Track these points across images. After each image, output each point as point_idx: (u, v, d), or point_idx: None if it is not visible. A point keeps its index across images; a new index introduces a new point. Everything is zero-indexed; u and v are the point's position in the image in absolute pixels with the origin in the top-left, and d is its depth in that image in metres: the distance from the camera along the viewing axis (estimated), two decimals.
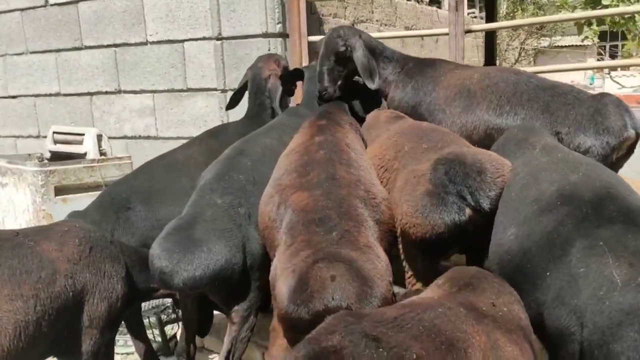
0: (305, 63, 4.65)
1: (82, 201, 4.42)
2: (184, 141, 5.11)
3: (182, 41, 5.03)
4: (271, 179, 3.05)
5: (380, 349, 1.50)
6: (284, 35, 4.62)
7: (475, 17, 13.38)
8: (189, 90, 5.10)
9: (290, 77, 4.11)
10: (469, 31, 4.25)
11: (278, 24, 4.55)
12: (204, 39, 4.91)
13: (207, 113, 5.07)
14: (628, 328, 1.68)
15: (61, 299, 2.64)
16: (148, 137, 5.42)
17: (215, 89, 4.97)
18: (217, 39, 4.79)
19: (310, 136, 3.09)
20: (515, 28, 18.28)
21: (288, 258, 2.41)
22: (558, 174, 2.30)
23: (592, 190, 2.15)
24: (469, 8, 12.92)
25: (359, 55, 3.66)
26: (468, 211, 2.49)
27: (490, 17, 9.10)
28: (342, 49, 3.73)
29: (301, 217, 2.55)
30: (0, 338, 2.42)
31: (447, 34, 4.21)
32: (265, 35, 4.59)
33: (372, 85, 3.76)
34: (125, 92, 5.45)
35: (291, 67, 4.59)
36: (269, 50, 4.59)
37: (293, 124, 3.67)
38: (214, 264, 2.72)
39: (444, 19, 8.35)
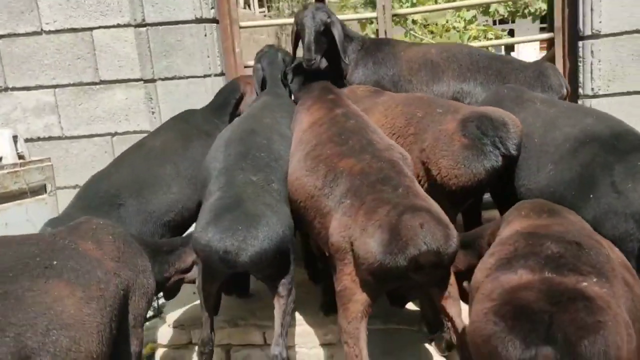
0: (238, 49, 4.67)
1: (10, 212, 3.91)
2: (99, 139, 4.78)
3: (90, 29, 4.62)
4: (298, 153, 3.16)
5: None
6: (217, 20, 4.57)
7: None
8: (102, 82, 4.71)
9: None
10: (395, 15, 4.73)
11: (212, 8, 4.48)
12: (118, 26, 4.58)
13: (128, 106, 4.74)
14: None
15: (117, 298, 2.51)
16: (50, 138, 4.86)
17: (139, 80, 4.68)
18: (140, 25, 4.52)
19: (329, 109, 3.27)
20: None
21: (365, 217, 2.60)
22: (574, 119, 2.88)
23: (609, 127, 2.76)
24: None
25: (339, 30, 3.90)
26: (501, 157, 2.95)
27: None
28: (329, 21, 3.94)
29: (363, 180, 2.75)
30: (90, 344, 2.22)
31: (375, 18, 4.65)
32: (200, 20, 4.47)
33: (346, 59, 4.05)
34: (15, 89, 4.79)
35: (224, 54, 4.59)
36: (205, 36, 4.50)
37: (280, 103, 3.80)
38: (275, 237, 2.77)
39: None
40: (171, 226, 3.48)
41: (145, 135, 4.63)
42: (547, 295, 1.58)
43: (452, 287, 2.78)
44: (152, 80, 4.59)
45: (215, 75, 4.55)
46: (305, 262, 4.17)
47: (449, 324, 2.82)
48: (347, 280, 2.73)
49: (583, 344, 1.48)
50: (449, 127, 3.06)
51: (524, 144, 2.96)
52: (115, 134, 4.80)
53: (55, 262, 2.29)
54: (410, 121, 3.29)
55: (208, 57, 4.52)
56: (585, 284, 1.65)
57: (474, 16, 13.96)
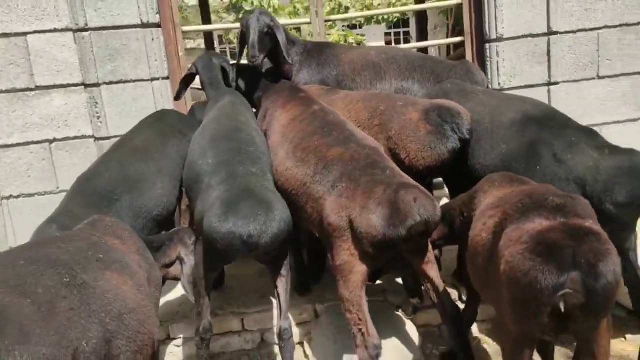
0: (182, 52, 4.79)
1: None
2: (36, 146, 4.66)
3: (25, 34, 4.47)
4: (285, 146, 3.48)
5: None
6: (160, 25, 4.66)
7: None
8: (38, 88, 4.56)
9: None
10: (328, 20, 5.15)
11: (157, 13, 4.56)
12: (55, 30, 4.48)
13: (67, 111, 4.63)
14: (621, 177, 2.97)
15: (146, 288, 2.66)
16: None
17: (79, 84, 4.61)
18: (81, 30, 4.46)
19: (306, 106, 3.61)
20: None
21: (364, 197, 3.01)
22: (515, 106, 3.51)
23: (543, 111, 3.44)
24: None
25: (282, 33, 4.23)
26: (459, 141, 3.50)
27: None
28: (272, 24, 4.24)
29: (355, 165, 3.16)
30: (150, 326, 2.43)
31: (309, 23, 5.04)
32: (145, 25, 4.52)
33: (289, 60, 4.38)
34: None
35: (168, 58, 4.71)
36: (153, 40, 4.57)
37: (243, 102, 4.05)
38: (287, 220, 3.09)
39: None
40: (158, 220, 3.62)
41: (88, 139, 4.64)
42: (568, 234, 2.10)
43: (430, 254, 3.27)
44: (96, 85, 4.56)
45: (163, 78, 4.65)
46: None
47: (429, 285, 3.31)
48: (346, 254, 3.10)
49: (600, 265, 2.01)
50: (413, 117, 3.55)
51: (475, 129, 3.54)
52: (54, 140, 4.68)
53: (101, 256, 2.42)
54: (374, 114, 3.73)
55: (156, 61, 4.60)
56: (588, 224, 2.20)
57: (334, 22, 14.91)
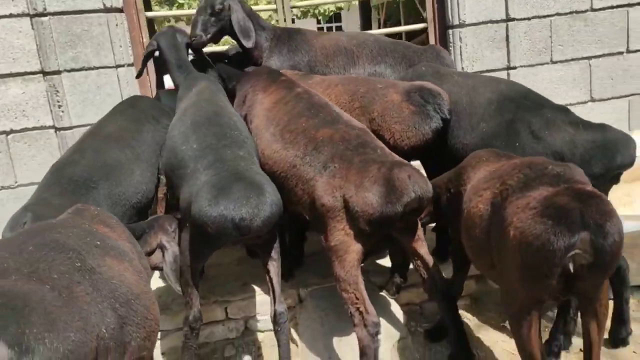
0: (146, 39, 4.63)
1: None
2: None
3: None
4: (271, 129, 3.45)
5: None
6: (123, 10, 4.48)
7: None
8: None
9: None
10: (294, 7, 5.12)
11: None
12: (11, 16, 4.22)
13: (25, 100, 4.38)
14: (596, 150, 3.13)
15: (144, 275, 2.60)
16: None
17: (37, 72, 4.37)
18: (39, 15, 4.23)
19: (289, 89, 3.58)
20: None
21: (358, 176, 3.03)
22: (490, 87, 3.63)
23: (518, 91, 3.58)
24: None
25: (238, 17, 4.20)
26: (441, 120, 3.59)
27: None
28: (219, 7, 4.18)
29: (346, 145, 3.17)
30: (156, 312, 2.38)
31: (275, 10, 4.99)
32: (107, 10, 4.34)
33: (248, 44, 4.32)
34: None
35: (131, 44, 4.56)
36: (117, 25, 4.39)
37: (219, 88, 3.97)
38: (278, 202, 3.07)
39: None
40: (137, 208, 3.52)
41: (48, 130, 4.42)
42: (574, 197, 2.20)
43: (420, 231, 3.34)
44: (57, 72, 4.34)
45: (128, 65, 4.48)
46: None
47: (419, 262, 3.38)
48: (340, 234, 3.11)
49: (607, 225, 2.12)
50: (395, 98, 3.60)
51: (454, 109, 3.64)
52: (11, 131, 4.43)
53: (99, 242, 2.34)
54: (354, 97, 3.76)
55: (120, 47, 4.43)
56: (589, 188, 2.32)
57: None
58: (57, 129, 4.48)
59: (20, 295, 1.73)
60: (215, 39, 4.34)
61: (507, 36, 5.21)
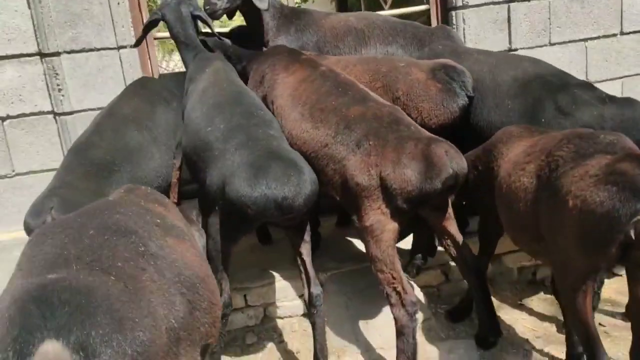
0: (146, 16, 4.44)
1: None
2: None
3: None
4: (298, 108, 3.36)
5: None
6: None
7: None
8: None
9: None
10: None
11: None
12: None
13: (22, 84, 4.15)
14: (626, 122, 3.15)
15: (203, 256, 2.51)
16: None
17: (34, 54, 4.15)
18: None
19: (313, 67, 3.50)
20: None
21: (395, 153, 2.98)
22: (514, 64, 3.62)
23: (543, 68, 3.57)
24: None
25: None
26: (466, 98, 3.55)
27: None
28: None
29: (380, 123, 3.12)
30: (217, 297, 2.25)
31: None
32: None
33: (264, 5, 4.14)
34: None
35: (132, 25, 4.37)
36: (118, 4, 4.19)
37: (232, 68, 3.85)
38: (316, 181, 3.05)
39: None
40: (157, 189, 3.36)
41: (46, 116, 4.21)
42: (637, 163, 2.19)
43: (450, 209, 3.31)
44: (56, 54, 4.11)
45: (131, 46, 4.29)
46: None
47: (449, 241, 3.35)
48: (376, 214, 3.06)
49: None
50: (420, 77, 3.55)
51: (477, 87, 3.61)
52: (7, 117, 4.20)
53: (159, 221, 2.18)
54: (375, 76, 3.69)
55: (123, 27, 4.23)
56: None
57: None
58: (56, 114, 4.27)
59: (83, 291, 1.56)
60: (232, 9, 4.17)
61: (509, 17, 5.22)
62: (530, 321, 3.86)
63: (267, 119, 3.23)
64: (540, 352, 3.51)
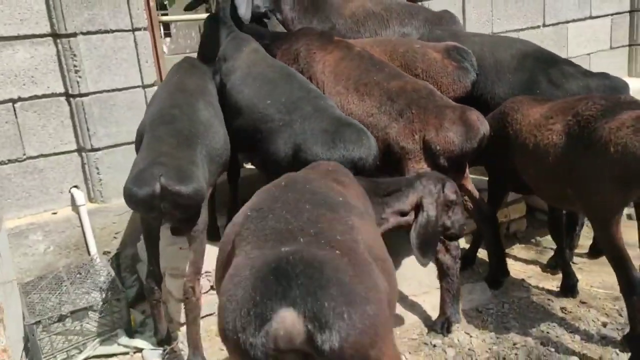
0: (152, 3, 4.51)
1: None
2: None
3: None
4: (342, 83, 3.72)
5: None
6: None
7: None
8: None
9: None
10: None
11: None
12: None
13: (34, 66, 4.04)
14: (608, 92, 3.90)
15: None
16: None
17: (47, 35, 4.06)
18: None
19: (348, 48, 3.91)
20: None
21: (437, 119, 3.51)
22: (508, 44, 4.28)
23: (533, 47, 4.28)
24: None
25: None
26: (475, 75, 4.14)
27: None
28: None
29: (419, 94, 3.62)
30: (393, 278, 2.20)
31: None
32: None
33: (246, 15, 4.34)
34: None
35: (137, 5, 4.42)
36: None
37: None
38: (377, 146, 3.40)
39: None
40: (224, 164, 3.57)
41: (59, 98, 4.17)
42: None
43: (467, 169, 3.88)
44: (73, 35, 4.07)
45: (144, 29, 4.35)
46: None
47: (466, 197, 3.92)
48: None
49: None
50: (437, 56, 4.07)
51: (480, 65, 4.21)
52: (19, 99, 4.08)
53: (341, 199, 2.22)
54: (393, 56, 4.14)
55: (138, 9, 4.28)
56: None
57: None
58: (70, 96, 4.21)
59: (316, 264, 1.63)
60: None
61: (464, 10, 5.93)
62: (518, 266, 4.56)
63: (319, 92, 3.58)
64: (537, 287, 4.21)
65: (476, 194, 3.93)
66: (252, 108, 3.54)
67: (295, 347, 1.56)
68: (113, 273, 4.02)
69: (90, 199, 4.42)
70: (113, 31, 4.23)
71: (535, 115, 3.58)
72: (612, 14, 7.33)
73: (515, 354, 3.42)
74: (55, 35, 4.09)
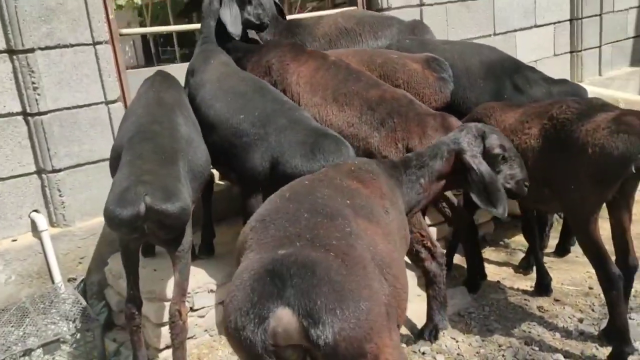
0: (111, 16, 4.33)
1: None
2: None
3: None
4: (320, 94, 3.69)
5: None
6: None
7: None
8: None
9: None
10: None
11: None
12: None
13: None
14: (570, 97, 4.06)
15: (394, 236, 2.54)
16: None
17: (1, 51, 3.81)
18: None
19: (322, 58, 3.91)
20: None
21: (419, 127, 3.59)
22: (476, 51, 4.43)
23: (499, 54, 4.44)
24: None
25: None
26: (452, 85, 4.21)
27: None
28: None
29: (399, 102, 3.67)
30: (404, 279, 2.28)
31: None
32: None
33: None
34: None
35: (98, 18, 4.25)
36: None
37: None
38: None
39: None
40: (206, 180, 3.59)
41: (16, 117, 3.95)
42: (636, 116, 3.00)
43: None
44: (30, 50, 3.85)
45: (106, 42, 4.18)
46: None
47: (444, 203, 3.98)
48: None
49: None
50: (417, 67, 4.12)
51: (453, 71, 4.28)
52: None
53: (348, 202, 2.29)
54: (371, 66, 4.15)
55: (99, 22, 4.10)
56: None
57: None
58: (28, 115, 3.98)
59: (309, 265, 1.75)
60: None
61: (421, 19, 6.05)
62: (491, 268, 4.65)
63: (293, 103, 3.55)
64: (512, 288, 4.31)
65: (454, 199, 3.99)
66: (225, 123, 3.47)
67: (293, 342, 1.69)
68: (83, 301, 3.81)
69: (52, 223, 4.18)
70: (73, 45, 4.04)
71: (510, 120, 3.68)
72: (554, 23, 7.66)
73: (503, 356, 3.47)
74: (11, 52, 3.86)
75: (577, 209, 3.27)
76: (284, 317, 1.67)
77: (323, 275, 1.73)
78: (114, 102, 4.27)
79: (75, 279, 4.20)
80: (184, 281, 3.11)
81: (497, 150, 2.94)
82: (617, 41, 8.43)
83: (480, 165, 2.82)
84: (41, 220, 4.05)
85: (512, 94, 4.18)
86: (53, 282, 4.10)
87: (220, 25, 4.08)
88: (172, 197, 2.78)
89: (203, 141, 3.47)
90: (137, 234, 2.88)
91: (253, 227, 2.15)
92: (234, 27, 3.98)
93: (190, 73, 3.92)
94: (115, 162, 3.13)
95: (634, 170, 2.99)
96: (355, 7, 5.60)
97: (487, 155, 2.90)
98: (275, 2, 4.51)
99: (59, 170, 4.08)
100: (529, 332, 3.70)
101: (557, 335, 3.65)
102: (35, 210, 4.14)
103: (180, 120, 3.34)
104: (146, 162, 2.90)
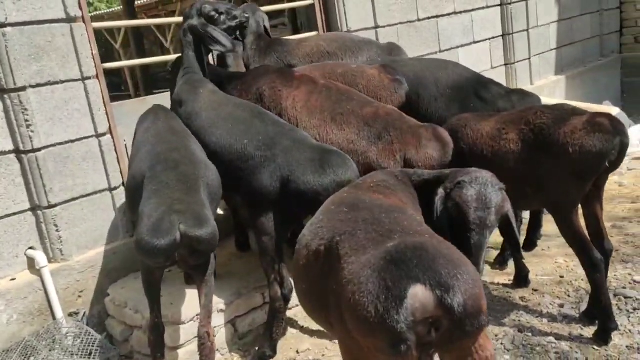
0: (94, 51, 4.39)
1: None
2: None
3: None
4: (317, 116, 3.95)
5: None
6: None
7: None
8: None
9: None
10: None
11: (79, 7, 4.09)
12: None
13: None
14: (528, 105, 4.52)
15: None
16: None
17: None
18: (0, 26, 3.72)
19: (313, 82, 4.16)
20: None
21: (414, 138, 3.93)
22: (442, 66, 4.82)
23: (462, 68, 4.85)
24: None
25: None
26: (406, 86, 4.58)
27: None
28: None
29: (392, 117, 4.01)
30: None
31: None
32: (69, 19, 4.01)
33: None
34: None
35: (86, 54, 4.34)
36: (82, 35, 4.09)
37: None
38: None
39: None
40: (219, 201, 3.70)
41: (8, 156, 3.95)
42: (604, 117, 3.44)
43: None
44: (22, 89, 3.86)
45: (94, 77, 4.23)
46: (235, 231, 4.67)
47: None
48: None
49: (626, 132, 3.43)
50: (374, 72, 4.49)
51: (422, 83, 4.64)
52: None
53: (368, 217, 2.39)
54: (333, 77, 4.46)
55: (87, 58, 4.16)
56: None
57: None
58: (22, 152, 3.97)
59: (419, 247, 1.99)
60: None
61: (377, 38, 6.43)
62: None
63: (291, 125, 3.82)
64: (493, 283, 4.68)
65: None
66: (229, 148, 3.65)
67: (428, 315, 1.86)
68: (96, 334, 3.82)
69: (49, 259, 4.15)
70: (63, 82, 4.08)
71: (486, 128, 4.03)
72: (489, 39, 8.30)
73: (502, 344, 3.80)
74: (2, 91, 3.86)
75: (561, 202, 3.66)
76: (419, 292, 1.85)
77: (435, 252, 1.97)
78: (104, 134, 4.32)
79: (77, 313, 4.18)
80: (210, 303, 3.24)
81: (462, 208, 2.86)
82: (543, 53, 9.21)
83: (437, 206, 2.89)
84: (41, 257, 4.03)
85: (477, 103, 4.60)
86: (54, 317, 4.07)
87: (199, 54, 4.28)
88: (203, 223, 2.93)
89: (211, 164, 3.62)
90: (169, 262, 3.00)
91: (336, 241, 2.27)
92: (226, 41, 4.20)
93: (177, 104, 4.05)
94: (135, 191, 3.23)
95: (607, 165, 3.44)
96: (336, 32, 5.91)
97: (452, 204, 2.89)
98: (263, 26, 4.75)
99: (55, 206, 4.08)
100: (519, 320, 4.06)
101: (544, 320, 4.02)
102: (31, 248, 4.11)
103: (195, 147, 3.49)
104: (174, 191, 3.03)
